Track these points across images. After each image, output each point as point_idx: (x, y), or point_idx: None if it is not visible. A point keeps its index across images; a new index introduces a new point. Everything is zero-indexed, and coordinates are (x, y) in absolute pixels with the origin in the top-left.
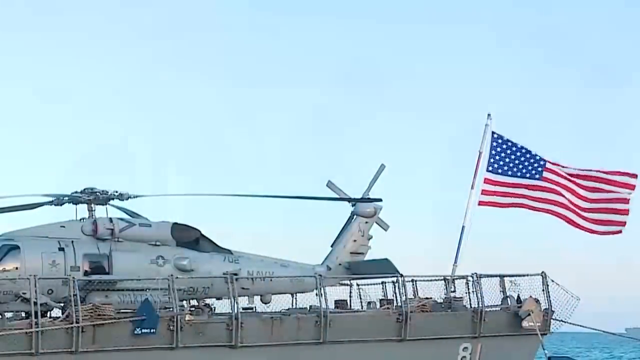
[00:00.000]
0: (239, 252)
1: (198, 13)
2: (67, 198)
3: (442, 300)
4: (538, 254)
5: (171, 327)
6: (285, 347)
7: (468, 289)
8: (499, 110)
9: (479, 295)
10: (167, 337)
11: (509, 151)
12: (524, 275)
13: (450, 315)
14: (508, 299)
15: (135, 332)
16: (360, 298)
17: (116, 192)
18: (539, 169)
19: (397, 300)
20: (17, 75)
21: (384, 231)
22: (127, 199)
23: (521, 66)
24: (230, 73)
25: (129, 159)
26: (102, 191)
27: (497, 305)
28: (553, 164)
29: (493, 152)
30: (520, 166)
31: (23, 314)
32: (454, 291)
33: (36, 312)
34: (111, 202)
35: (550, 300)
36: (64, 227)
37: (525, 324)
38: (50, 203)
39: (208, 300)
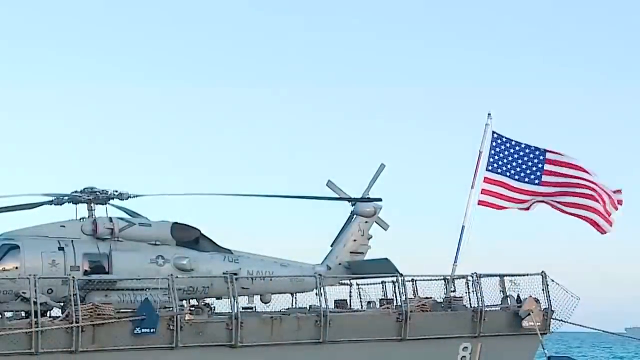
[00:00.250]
0: (239, 251)
1: (197, 13)
2: (67, 198)
3: (442, 300)
4: (538, 254)
5: (171, 327)
6: (285, 347)
7: (468, 288)
8: (499, 110)
9: (479, 295)
10: (167, 337)
11: (506, 152)
12: (524, 275)
13: (450, 315)
14: (508, 298)
15: (135, 332)
16: (361, 298)
17: (116, 191)
18: (538, 173)
19: (397, 300)
20: (18, 74)
21: (384, 231)
22: (127, 198)
23: (521, 66)
24: (230, 73)
25: (129, 159)
26: (102, 191)
27: (497, 305)
28: (554, 152)
29: (493, 151)
30: (519, 169)
31: (23, 314)
32: (454, 291)
33: (36, 312)
34: (111, 201)
35: (550, 300)
36: (64, 226)
37: (525, 324)
38: (50, 203)
39: (208, 300)
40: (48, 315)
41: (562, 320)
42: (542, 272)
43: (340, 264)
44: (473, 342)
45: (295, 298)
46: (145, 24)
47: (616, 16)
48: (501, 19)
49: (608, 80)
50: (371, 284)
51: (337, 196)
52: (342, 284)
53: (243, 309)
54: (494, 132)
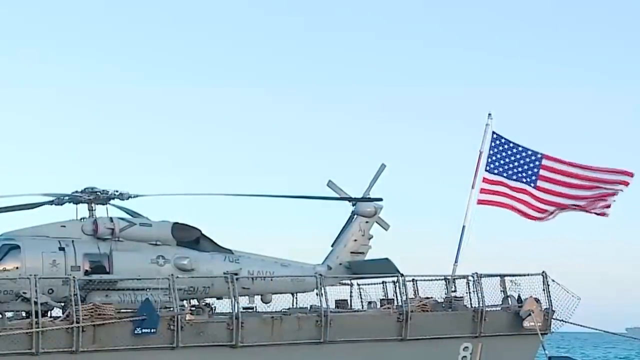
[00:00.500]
0: (240, 251)
1: (197, 13)
2: (67, 197)
3: (442, 300)
4: (539, 254)
5: (172, 327)
6: (286, 347)
7: (469, 288)
8: (499, 110)
9: (479, 295)
10: (168, 336)
11: (504, 153)
12: (524, 275)
13: (450, 315)
14: (509, 298)
15: (136, 331)
16: (361, 298)
17: (117, 191)
18: (534, 177)
19: (397, 299)
20: (17, 75)
21: (385, 231)
22: (127, 198)
23: (521, 66)
24: (230, 73)
25: (129, 159)
26: (103, 191)
27: (497, 305)
28: (551, 159)
29: (492, 151)
30: (515, 170)
31: (23, 314)
32: (455, 291)
33: (36, 312)
34: (112, 201)
35: (550, 300)
36: (64, 226)
37: (526, 323)
38: (50, 202)
39: (208, 300)
40: (48, 315)
41: (562, 320)
42: (543, 272)
43: (340, 264)
44: (473, 342)
45: (296, 298)
46: (145, 24)
47: (616, 16)
48: (501, 19)
49: (608, 80)
50: (372, 284)
51: (338, 196)
52: (343, 284)
53: (243, 308)
54: (493, 132)
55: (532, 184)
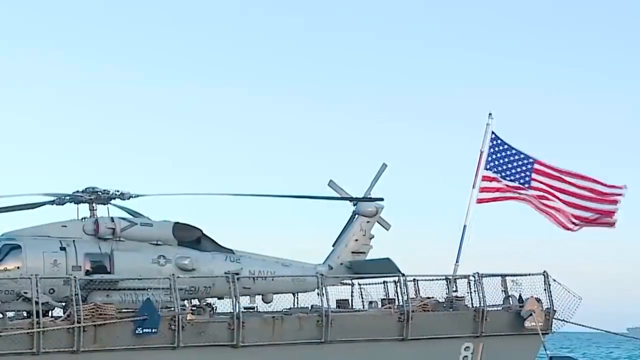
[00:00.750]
0: (241, 251)
1: (197, 13)
2: (68, 197)
3: (443, 300)
4: (540, 254)
5: (172, 327)
6: (287, 347)
7: (470, 288)
8: (499, 110)
9: (480, 294)
10: (169, 336)
11: (500, 154)
12: (525, 275)
13: (451, 315)
14: (510, 298)
15: (137, 331)
16: (362, 297)
17: (117, 191)
18: (527, 178)
19: (398, 299)
20: (17, 75)
21: (386, 230)
22: (128, 198)
23: (521, 66)
24: (230, 73)
25: (130, 159)
26: (104, 190)
27: (498, 304)
28: (542, 164)
29: (491, 151)
30: (509, 172)
31: (24, 314)
32: (456, 291)
33: (37, 312)
34: (113, 201)
35: (552, 300)
36: (65, 226)
37: (527, 323)
38: (51, 202)
39: (209, 300)
40: (49, 315)
41: (563, 320)
42: (544, 271)
43: (341, 264)
44: (474, 341)
45: (297, 298)
46: (145, 24)
47: (616, 16)
48: (501, 19)
49: (609, 80)
50: (373, 284)
51: (339, 196)
52: (344, 284)
53: (244, 308)
54: (492, 133)
55: (527, 185)
